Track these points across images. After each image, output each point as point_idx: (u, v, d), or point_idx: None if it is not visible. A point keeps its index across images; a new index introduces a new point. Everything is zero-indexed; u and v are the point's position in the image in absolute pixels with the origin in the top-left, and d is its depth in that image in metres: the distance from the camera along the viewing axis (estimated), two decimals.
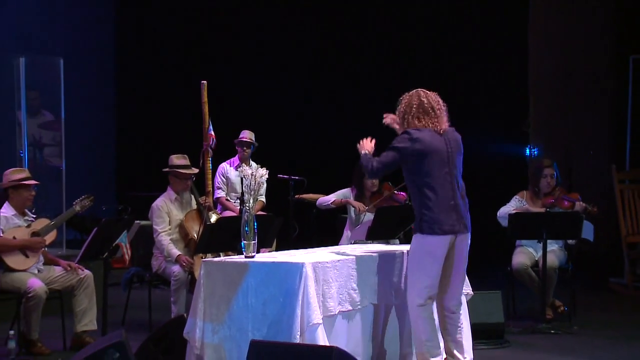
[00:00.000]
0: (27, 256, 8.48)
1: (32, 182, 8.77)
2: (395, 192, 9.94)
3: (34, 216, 8.86)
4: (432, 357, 7.20)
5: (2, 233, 8.44)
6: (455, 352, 7.36)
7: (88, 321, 8.58)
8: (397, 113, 7.44)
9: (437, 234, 7.17)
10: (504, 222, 9.66)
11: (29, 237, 8.54)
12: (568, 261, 9.84)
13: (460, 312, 7.54)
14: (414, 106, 7.33)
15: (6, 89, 11.52)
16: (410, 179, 7.31)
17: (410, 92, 7.41)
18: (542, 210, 9.74)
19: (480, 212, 8.45)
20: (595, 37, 13.78)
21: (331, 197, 10.24)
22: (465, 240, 7.33)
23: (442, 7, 14.02)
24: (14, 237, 8.46)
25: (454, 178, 7.29)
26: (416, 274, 7.24)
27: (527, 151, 13.08)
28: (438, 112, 7.34)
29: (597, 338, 9.00)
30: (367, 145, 7.43)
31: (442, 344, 7.34)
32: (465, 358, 7.42)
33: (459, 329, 7.43)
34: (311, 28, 14.54)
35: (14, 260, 8.40)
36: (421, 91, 7.39)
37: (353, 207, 10.18)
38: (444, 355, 7.27)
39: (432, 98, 7.36)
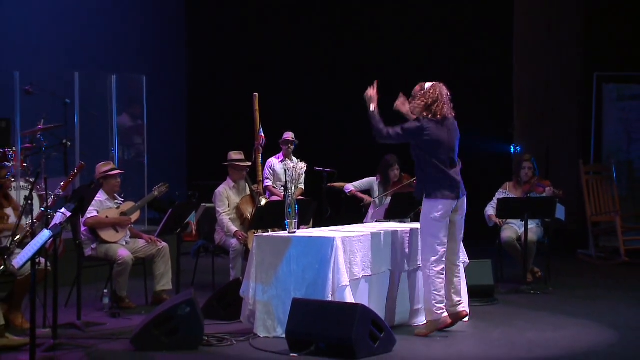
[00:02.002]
0: (117, 231, 8.57)
1: (117, 171, 8.85)
2: (412, 182, 9.62)
3: (122, 200, 8.90)
4: (438, 310, 7.19)
5: (97, 213, 8.51)
6: (454, 297, 7.35)
7: (165, 282, 8.62)
8: (419, 99, 7.26)
9: (444, 198, 7.14)
10: (489, 223, 9.86)
11: (118, 216, 8.59)
12: (545, 236, 9.86)
13: (460, 264, 7.55)
14: (445, 95, 7.25)
15: (102, 100, 11.49)
16: (420, 155, 7.20)
17: (434, 83, 7.27)
18: (523, 195, 9.77)
19: (474, 199, 8.34)
20: (567, 56, 13.61)
21: (352, 186, 10.13)
22: (464, 203, 7.30)
23: (440, 26, 13.89)
24: (107, 217, 8.54)
25: (453, 158, 7.23)
26: (428, 237, 7.19)
27: (512, 149, 13.08)
28: (450, 103, 7.30)
29: (568, 297, 9.04)
30: (373, 95, 7.32)
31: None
32: (462, 302, 7.43)
33: (459, 278, 7.45)
34: (333, 44, 14.48)
35: (107, 234, 8.49)
36: (443, 84, 7.30)
37: (362, 198, 10.14)
38: (446, 313, 7.24)
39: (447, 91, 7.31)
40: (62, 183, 7.82)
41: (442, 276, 7.19)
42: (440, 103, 7.20)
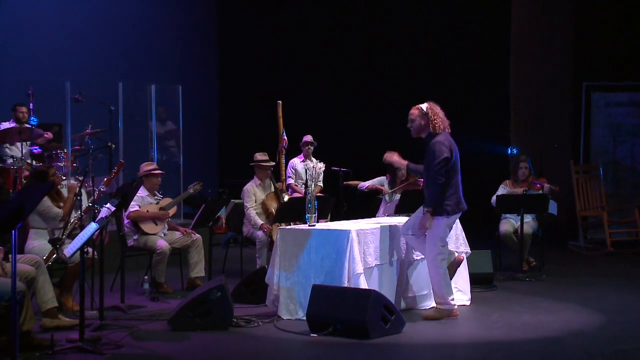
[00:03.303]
0: (156, 224, 8.55)
1: (159, 171, 8.85)
2: (418, 180, 9.70)
3: (161, 196, 8.91)
4: (452, 301, 7.17)
5: (139, 207, 8.51)
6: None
7: (198, 270, 8.62)
8: (417, 120, 7.06)
9: (458, 213, 7.12)
10: (493, 203, 9.72)
11: (157, 211, 8.59)
12: (539, 229, 9.80)
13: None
14: (440, 112, 7.07)
15: (142, 107, 11.55)
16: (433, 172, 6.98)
17: (428, 103, 7.09)
18: (520, 192, 9.72)
19: (474, 196, 8.34)
20: (559, 67, 13.51)
21: (367, 183, 10.01)
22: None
23: (444, 38, 13.82)
24: (147, 211, 8.54)
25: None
26: (436, 243, 7.10)
27: (509, 150, 13.03)
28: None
29: (559, 284, 9.01)
30: (395, 160, 7.35)
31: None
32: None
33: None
34: (348, 58, 14.43)
35: (147, 227, 8.50)
36: (434, 103, 7.10)
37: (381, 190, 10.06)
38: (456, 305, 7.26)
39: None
40: (105, 179, 7.84)
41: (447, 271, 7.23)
42: (437, 119, 7.05)
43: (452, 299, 7.19)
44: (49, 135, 10.27)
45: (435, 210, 7.03)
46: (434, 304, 7.39)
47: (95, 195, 7.48)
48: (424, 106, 7.11)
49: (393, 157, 7.44)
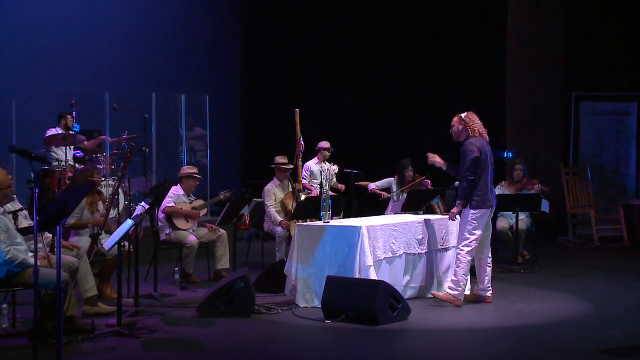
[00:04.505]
0: (187, 221, 8.55)
1: (198, 176, 8.85)
2: (423, 180, 9.76)
3: (194, 197, 8.88)
4: (462, 285, 7.17)
5: (174, 204, 8.50)
6: (487, 283, 7.36)
7: (223, 262, 8.65)
8: (456, 125, 7.25)
9: (483, 208, 7.14)
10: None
11: (190, 210, 8.58)
12: (532, 225, 9.78)
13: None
14: (475, 121, 7.24)
15: (173, 115, 11.56)
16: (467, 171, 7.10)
17: (465, 113, 7.27)
18: (515, 192, 9.71)
19: None
20: (551, 78, 13.47)
21: (373, 185, 9.99)
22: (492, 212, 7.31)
23: (446, 49, 13.73)
24: (181, 208, 8.55)
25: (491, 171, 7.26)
26: (463, 233, 7.16)
27: (505, 154, 12.99)
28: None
29: (551, 275, 9.01)
30: (436, 160, 7.38)
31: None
32: (490, 289, 7.41)
33: (490, 267, 7.43)
34: (360, 69, 14.38)
35: (179, 222, 8.51)
36: (472, 113, 7.30)
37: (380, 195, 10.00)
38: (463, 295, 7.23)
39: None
40: (122, 164, 7.78)
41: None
42: (473, 125, 7.24)
43: (463, 290, 7.20)
44: (103, 138, 10.41)
45: (465, 203, 7.15)
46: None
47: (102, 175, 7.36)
48: (463, 115, 7.33)
49: (435, 158, 7.48)
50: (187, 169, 8.88)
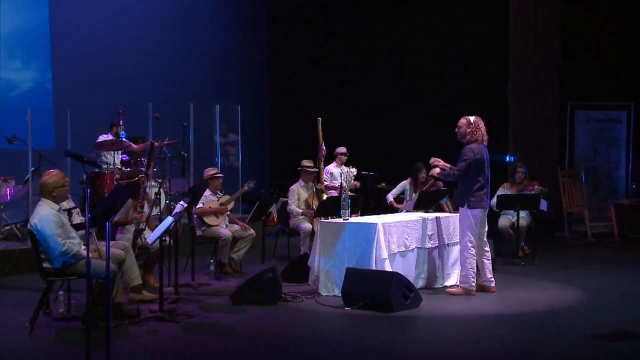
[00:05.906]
0: (217, 217, 8.49)
1: (220, 175, 8.81)
2: (435, 182, 9.65)
3: (222, 194, 8.83)
4: (473, 284, 7.13)
5: (202, 205, 8.45)
6: (487, 274, 7.30)
7: (238, 255, 8.49)
8: (463, 127, 7.12)
9: (479, 208, 7.06)
10: (494, 207, 9.56)
11: (218, 206, 8.53)
12: (532, 223, 9.71)
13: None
14: (480, 128, 7.11)
15: (209, 123, 11.58)
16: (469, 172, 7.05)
17: (473, 117, 7.15)
18: (516, 193, 9.65)
19: None
20: (549, 86, 13.36)
21: (391, 195, 9.84)
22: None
23: (451, 57, 13.60)
24: (209, 207, 8.50)
25: (488, 175, 7.17)
26: (465, 231, 7.10)
27: (507, 158, 12.90)
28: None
29: (549, 268, 8.96)
30: (441, 162, 7.26)
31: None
32: (493, 280, 7.33)
33: (488, 260, 7.35)
34: (375, 81, 14.29)
35: (210, 220, 8.43)
36: (480, 118, 7.18)
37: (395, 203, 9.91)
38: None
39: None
40: (151, 165, 7.77)
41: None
42: (478, 131, 7.12)
43: (473, 281, 7.16)
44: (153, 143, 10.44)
45: (462, 202, 7.09)
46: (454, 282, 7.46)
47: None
48: (471, 118, 7.21)
49: (439, 162, 7.39)
50: (209, 171, 8.82)
